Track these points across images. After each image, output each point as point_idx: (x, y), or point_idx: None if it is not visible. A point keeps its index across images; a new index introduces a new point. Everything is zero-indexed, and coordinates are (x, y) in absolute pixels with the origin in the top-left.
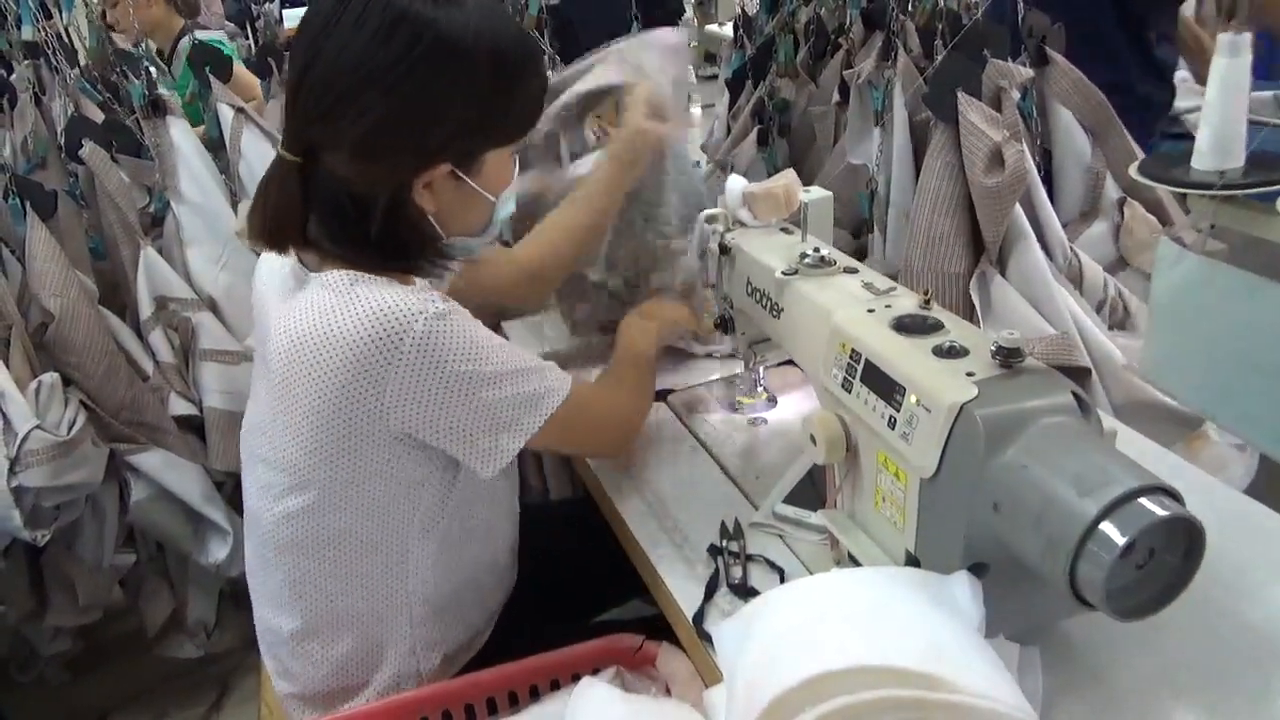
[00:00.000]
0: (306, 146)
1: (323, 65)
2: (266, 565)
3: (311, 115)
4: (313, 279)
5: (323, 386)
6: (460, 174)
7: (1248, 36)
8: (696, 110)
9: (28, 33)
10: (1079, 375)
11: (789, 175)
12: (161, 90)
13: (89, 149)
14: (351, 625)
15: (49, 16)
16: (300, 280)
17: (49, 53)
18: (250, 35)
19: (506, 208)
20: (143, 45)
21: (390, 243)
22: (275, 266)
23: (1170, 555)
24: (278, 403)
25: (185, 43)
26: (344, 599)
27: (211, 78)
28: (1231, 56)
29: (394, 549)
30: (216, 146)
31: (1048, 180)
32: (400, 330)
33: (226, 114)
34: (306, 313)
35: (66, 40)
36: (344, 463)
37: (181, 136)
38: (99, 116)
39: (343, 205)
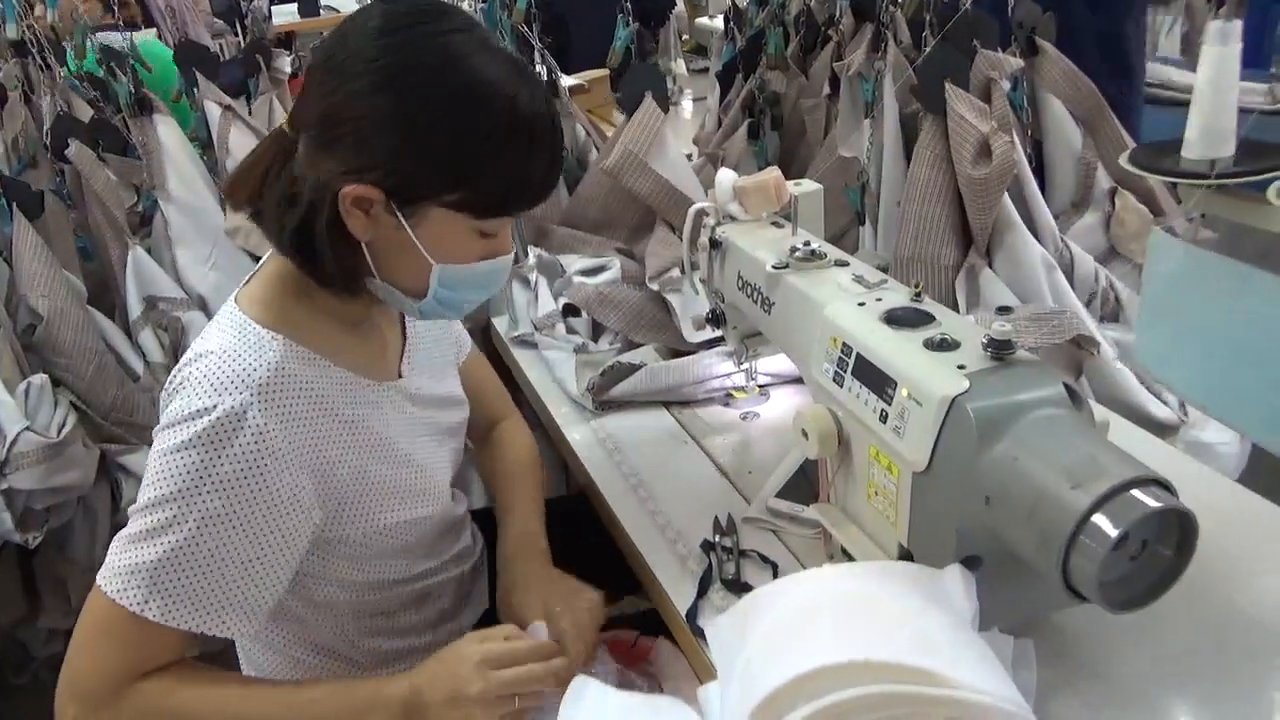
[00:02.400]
0: (299, 120)
1: (333, 41)
2: None
3: (306, 89)
4: (235, 296)
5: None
6: (396, 211)
7: (1237, 24)
8: (688, 104)
9: (12, 31)
10: (1082, 345)
11: (774, 173)
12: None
13: (75, 148)
14: (308, 647)
15: (33, 10)
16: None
17: (34, 51)
18: (239, 32)
19: (456, 291)
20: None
21: (302, 242)
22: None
23: (1163, 546)
24: None
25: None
26: (284, 627)
27: (198, 75)
28: (1221, 44)
29: (302, 576)
30: (204, 145)
31: (1039, 171)
32: (195, 397)
33: (214, 112)
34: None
35: (54, 38)
36: None
37: (169, 135)
38: (89, 115)
39: (284, 182)
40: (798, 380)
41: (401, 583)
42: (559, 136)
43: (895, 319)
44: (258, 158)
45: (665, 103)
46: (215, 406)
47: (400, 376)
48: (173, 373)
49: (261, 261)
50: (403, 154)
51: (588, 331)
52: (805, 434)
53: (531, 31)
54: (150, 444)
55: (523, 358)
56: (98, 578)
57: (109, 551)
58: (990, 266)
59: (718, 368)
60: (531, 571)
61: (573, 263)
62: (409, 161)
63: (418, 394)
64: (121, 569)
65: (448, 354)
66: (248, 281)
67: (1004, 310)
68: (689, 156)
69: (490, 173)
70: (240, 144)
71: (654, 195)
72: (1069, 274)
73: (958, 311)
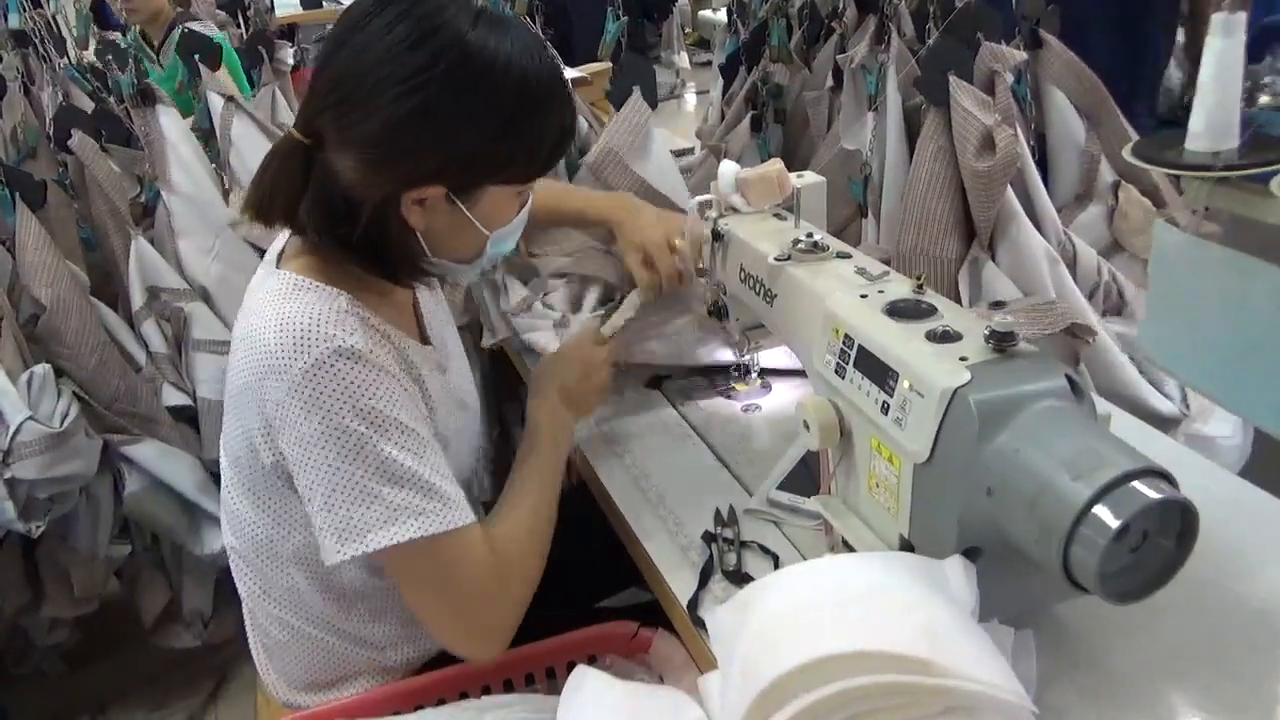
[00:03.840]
0: (316, 131)
1: (346, 56)
2: (233, 559)
3: (325, 103)
4: (272, 275)
5: (244, 385)
6: (455, 200)
7: (1242, 16)
8: (691, 96)
9: (14, 21)
10: (1077, 334)
11: (777, 164)
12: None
13: (78, 139)
14: (314, 621)
15: (37, 5)
16: (266, 273)
17: (37, 41)
18: (241, 23)
19: (504, 245)
20: (131, 33)
21: (369, 248)
22: (273, 249)
23: (1164, 538)
24: (227, 394)
25: (176, 33)
26: (296, 597)
27: (201, 66)
28: (1226, 37)
29: (315, 561)
30: (207, 136)
31: (1041, 164)
32: (298, 346)
33: (216, 103)
34: (249, 307)
35: (55, 29)
36: (258, 468)
37: (171, 126)
38: (89, 106)
39: (334, 199)
40: (800, 372)
41: None
42: (563, 80)
43: (897, 311)
44: (279, 175)
45: (654, 98)
46: (323, 347)
47: (429, 344)
48: (250, 350)
49: (283, 243)
50: (459, 155)
51: (565, 305)
52: (807, 425)
53: (534, 23)
54: (152, 435)
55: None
56: (370, 548)
57: (356, 527)
58: (993, 259)
59: (719, 353)
60: None
61: (548, 264)
62: (466, 159)
63: (442, 363)
64: (403, 510)
65: (449, 315)
66: (279, 261)
67: (997, 305)
68: (690, 150)
69: (534, 144)
70: (243, 135)
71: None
72: (1071, 267)
73: (961, 304)
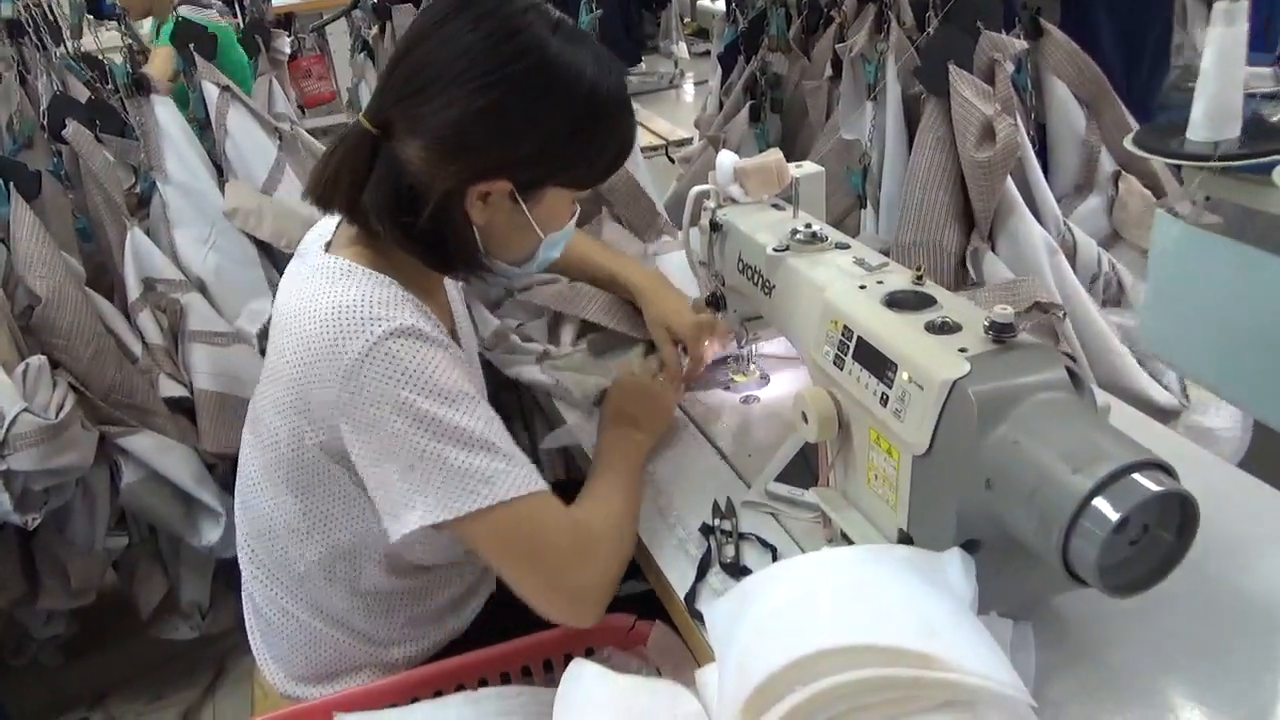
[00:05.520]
0: (386, 121)
1: (428, 49)
2: (245, 547)
3: (400, 93)
4: (321, 260)
5: (291, 368)
6: (519, 198)
7: (1244, 5)
8: (689, 87)
9: (7, 10)
10: (1046, 310)
11: (775, 154)
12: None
13: (73, 129)
14: (320, 614)
15: None
16: (312, 257)
17: (31, 31)
18: (238, 12)
19: (553, 251)
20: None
21: (430, 238)
22: (316, 233)
23: (1164, 531)
24: (266, 381)
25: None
26: (308, 588)
27: (196, 55)
28: (1227, 25)
29: (347, 548)
30: (202, 126)
31: (1042, 154)
32: (356, 328)
33: (212, 93)
34: (299, 290)
35: (51, 18)
36: (299, 454)
37: (166, 116)
38: (85, 95)
39: (398, 189)
40: (797, 363)
41: (437, 569)
42: (628, 94)
43: (896, 302)
44: (343, 162)
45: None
46: (384, 327)
47: (459, 339)
48: (300, 330)
49: (325, 232)
50: (529, 151)
51: (544, 336)
52: (805, 417)
53: None
54: (148, 427)
55: None
56: (445, 516)
57: (437, 497)
58: (993, 250)
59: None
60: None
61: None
62: (534, 157)
63: (472, 362)
64: (483, 477)
65: (465, 312)
66: (327, 250)
67: (972, 288)
68: (689, 140)
69: (598, 151)
70: (238, 125)
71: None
72: (1071, 258)
73: (963, 286)
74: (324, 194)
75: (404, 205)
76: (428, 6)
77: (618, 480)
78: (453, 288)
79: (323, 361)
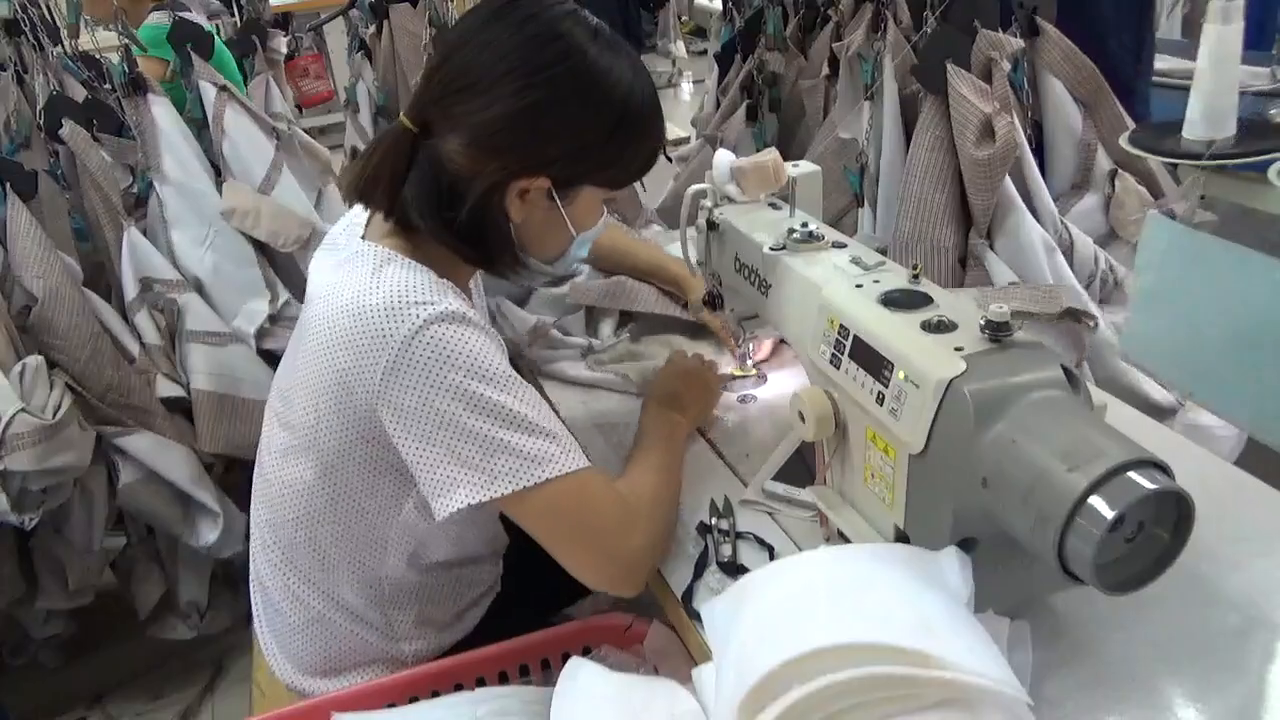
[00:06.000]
0: (427, 120)
1: (472, 50)
2: (262, 533)
3: (442, 94)
4: (358, 248)
5: (330, 351)
6: (555, 195)
7: (1239, 3)
8: (687, 85)
9: (4, 9)
10: (1076, 319)
11: (772, 153)
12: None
13: (69, 128)
14: (336, 604)
15: None
16: (347, 248)
17: (28, 30)
18: (235, 11)
19: (583, 248)
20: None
21: (470, 233)
22: (345, 221)
23: (1160, 529)
24: (300, 364)
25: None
26: (326, 576)
27: (193, 55)
28: (1223, 23)
29: (372, 535)
30: (200, 126)
31: (1039, 153)
32: (401, 312)
33: (209, 93)
34: (337, 273)
35: (49, 18)
36: (334, 437)
37: (163, 115)
38: (82, 95)
39: (439, 185)
40: (794, 362)
41: (458, 568)
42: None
43: (893, 301)
44: (384, 159)
45: None
46: (429, 312)
47: None
48: (341, 314)
49: (355, 223)
50: (568, 150)
51: (581, 330)
52: (802, 416)
53: None
54: (146, 427)
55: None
56: (494, 493)
57: (488, 476)
58: (991, 248)
59: None
60: None
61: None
62: (573, 155)
63: None
64: (533, 456)
65: (484, 306)
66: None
67: (996, 290)
68: (686, 139)
69: (632, 153)
70: (235, 124)
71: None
72: (1068, 256)
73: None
74: (365, 190)
75: (445, 201)
76: (469, 11)
77: (659, 459)
78: (475, 286)
79: (366, 344)
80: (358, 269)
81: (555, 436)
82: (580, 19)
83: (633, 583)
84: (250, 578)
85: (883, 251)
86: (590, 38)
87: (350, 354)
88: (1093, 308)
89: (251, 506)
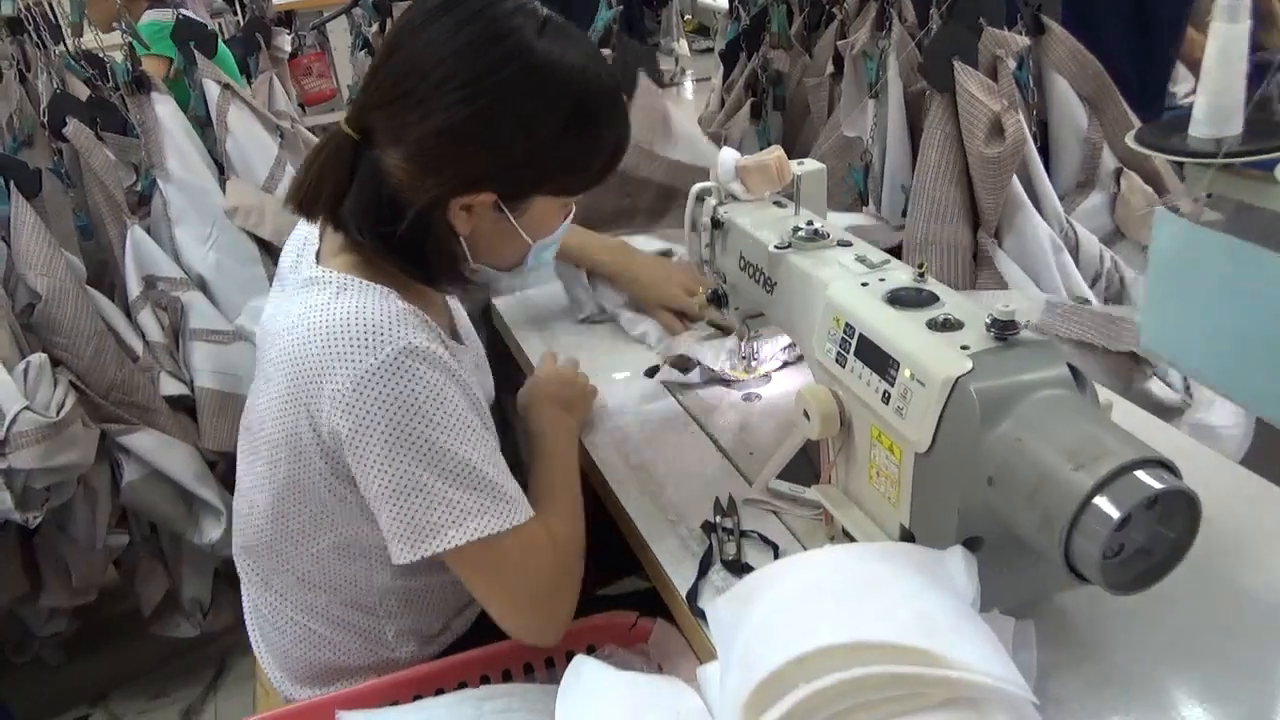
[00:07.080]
0: (367, 127)
1: (407, 55)
2: (241, 560)
3: (379, 99)
4: (314, 273)
5: (290, 380)
6: (504, 207)
7: (1247, 1)
8: (690, 84)
9: (8, 8)
10: (1138, 361)
11: (777, 152)
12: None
13: (73, 126)
14: (323, 618)
15: None
16: (302, 270)
17: (31, 28)
18: (238, 10)
19: (546, 253)
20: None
21: (411, 249)
22: (294, 248)
23: (1166, 528)
24: (262, 385)
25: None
26: (308, 594)
27: (197, 53)
28: (1230, 21)
29: (352, 547)
30: (203, 124)
31: (1044, 151)
32: (359, 344)
33: (212, 91)
34: (294, 303)
35: (51, 17)
36: (295, 458)
37: (167, 113)
38: (85, 93)
39: (379, 198)
40: (799, 360)
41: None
42: (621, 94)
43: (898, 299)
44: (324, 169)
45: (660, 78)
46: (392, 347)
47: (462, 342)
48: (301, 345)
49: (307, 240)
50: (512, 164)
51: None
52: (807, 415)
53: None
54: (149, 425)
55: (523, 337)
56: (441, 548)
57: (428, 528)
58: (1000, 247)
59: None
60: None
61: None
62: (518, 169)
63: (477, 360)
64: (473, 511)
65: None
66: (318, 259)
67: (1081, 301)
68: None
69: (587, 158)
70: (239, 123)
71: (672, 177)
72: (1074, 255)
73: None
74: (305, 202)
75: (383, 216)
76: (410, 7)
77: (568, 475)
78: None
79: (325, 378)
80: (314, 297)
81: (499, 491)
82: (529, 11)
83: (557, 637)
84: (242, 591)
85: (896, 248)
86: (538, 33)
87: (311, 385)
88: (1097, 307)
89: (233, 526)
